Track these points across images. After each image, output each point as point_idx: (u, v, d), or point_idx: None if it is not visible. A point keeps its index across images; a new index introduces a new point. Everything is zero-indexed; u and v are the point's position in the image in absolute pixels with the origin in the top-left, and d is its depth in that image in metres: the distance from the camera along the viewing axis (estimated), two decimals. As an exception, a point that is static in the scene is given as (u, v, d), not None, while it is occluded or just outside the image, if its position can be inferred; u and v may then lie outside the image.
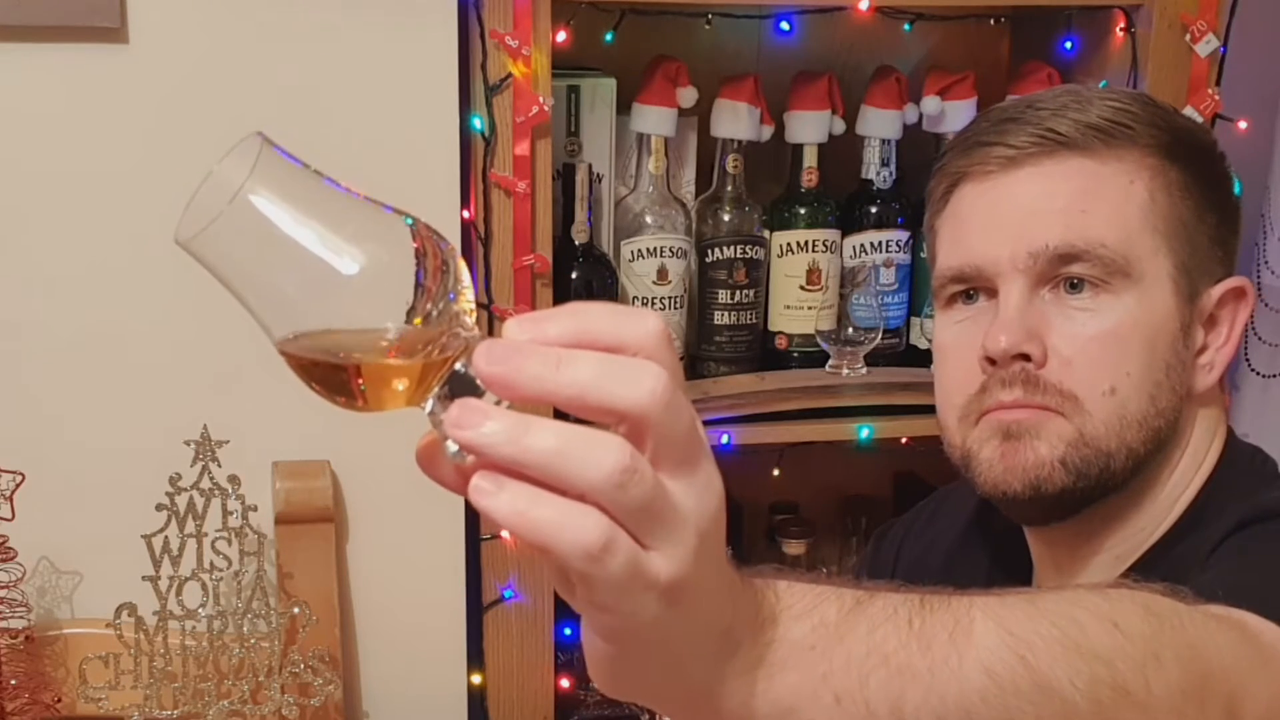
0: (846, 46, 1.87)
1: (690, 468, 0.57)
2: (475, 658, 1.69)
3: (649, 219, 1.72)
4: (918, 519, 1.32)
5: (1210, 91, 1.71)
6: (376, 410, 0.59)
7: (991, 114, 1.09)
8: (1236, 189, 1.10)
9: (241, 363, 1.57)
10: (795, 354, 1.80)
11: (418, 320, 0.57)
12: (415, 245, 0.58)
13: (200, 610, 1.54)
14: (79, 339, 1.56)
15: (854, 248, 1.80)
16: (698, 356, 1.79)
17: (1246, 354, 1.94)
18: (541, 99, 1.55)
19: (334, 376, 0.58)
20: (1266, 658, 0.78)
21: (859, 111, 1.78)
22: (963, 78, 1.77)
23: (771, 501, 1.98)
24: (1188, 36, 1.68)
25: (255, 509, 1.54)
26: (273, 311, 0.58)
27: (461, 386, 0.58)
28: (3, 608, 1.51)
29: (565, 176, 1.66)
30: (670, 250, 1.72)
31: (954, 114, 1.76)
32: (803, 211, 1.78)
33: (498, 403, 0.56)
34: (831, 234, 1.79)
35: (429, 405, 0.59)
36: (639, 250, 1.72)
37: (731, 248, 1.76)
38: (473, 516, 1.66)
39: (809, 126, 1.76)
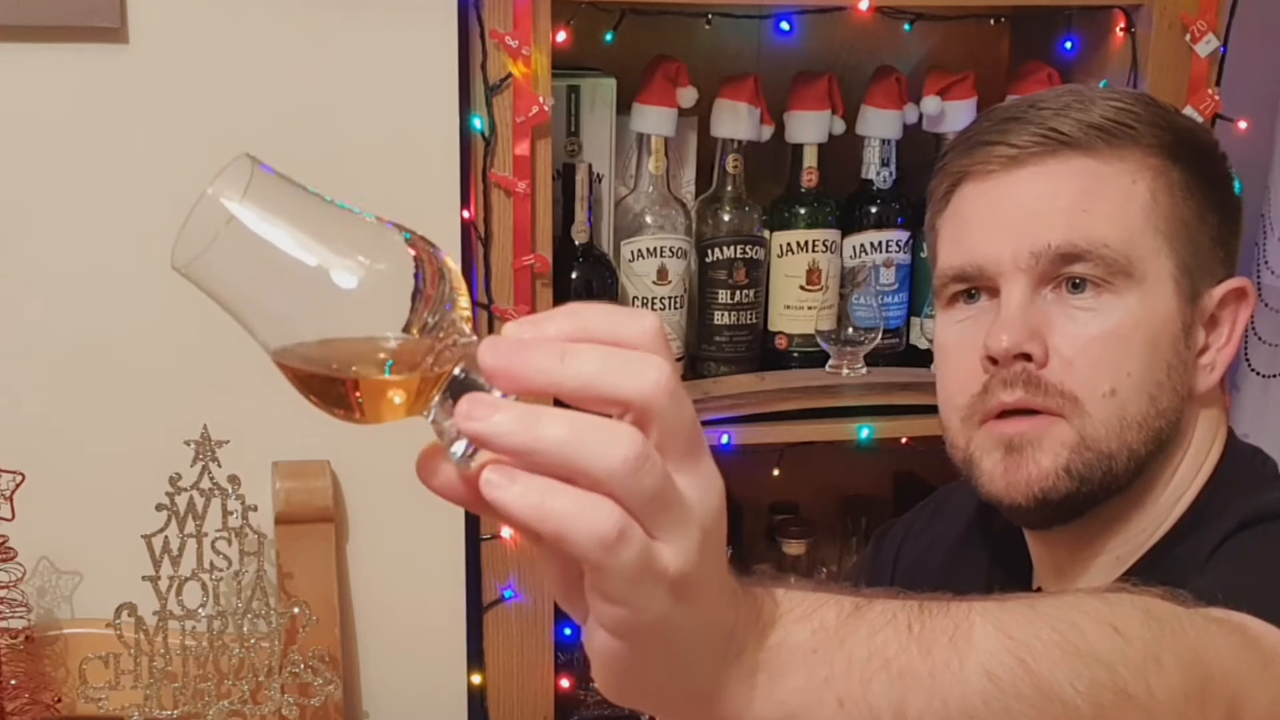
0: (846, 46, 1.87)
1: (693, 460, 0.57)
2: (475, 658, 1.69)
3: (649, 219, 1.72)
4: (918, 519, 1.32)
5: (1210, 91, 1.71)
6: (374, 422, 0.59)
7: (993, 113, 1.09)
8: (1237, 189, 1.10)
9: (241, 363, 1.56)
10: (795, 354, 1.80)
11: (416, 330, 0.57)
12: (413, 254, 0.58)
13: (200, 610, 1.54)
14: (79, 339, 1.56)
15: (854, 248, 1.80)
16: (698, 356, 1.79)
17: (1247, 354, 1.94)
18: (541, 99, 1.55)
19: (331, 389, 0.58)
20: (1267, 661, 0.78)
21: (859, 111, 1.78)
22: (963, 78, 1.77)
23: (771, 501, 1.98)
24: (1188, 36, 1.68)
25: (255, 509, 1.54)
26: (271, 328, 0.58)
27: (463, 391, 0.58)
28: (3, 608, 1.51)
29: (565, 176, 1.66)
30: (670, 250, 1.72)
31: (954, 114, 1.76)
32: (803, 211, 1.78)
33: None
34: (831, 234, 1.79)
35: (431, 413, 0.59)
36: (639, 250, 1.72)
37: (731, 248, 1.76)
38: (473, 517, 1.66)
39: (809, 126, 1.76)
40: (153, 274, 1.55)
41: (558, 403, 0.56)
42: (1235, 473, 1.06)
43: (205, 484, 1.51)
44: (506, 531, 1.61)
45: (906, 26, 1.85)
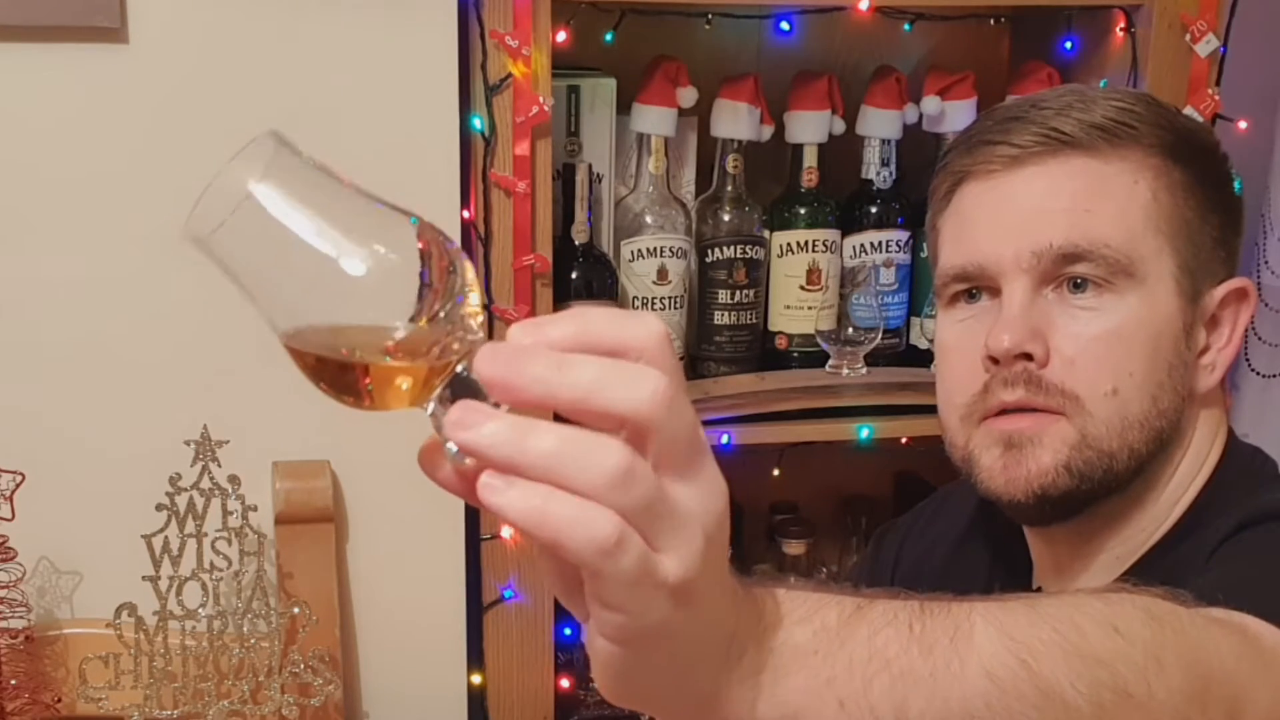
0: (846, 46, 1.87)
1: (693, 470, 0.57)
2: (475, 658, 1.69)
3: (649, 219, 1.72)
4: (918, 519, 1.32)
5: (1210, 91, 1.71)
6: (380, 408, 0.59)
7: (995, 113, 1.09)
8: (1238, 189, 1.10)
9: (242, 362, 1.57)
10: (795, 354, 1.80)
11: (424, 321, 0.57)
12: (420, 246, 0.58)
13: (200, 610, 1.54)
14: (79, 339, 1.56)
15: (854, 248, 1.80)
16: (698, 356, 1.79)
17: (1247, 354, 1.94)
18: (541, 99, 1.55)
19: (341, 376, 0.58)
20: (1268, 661, 0.78)
21: (859, 111, 1.78)
22: (963, 78, 1.77)
23: (771, 501, 1.98)
24: (1188, 36, 1.68)
25: (255, 509, 1.54)
26: (280, 308, 0.58)
27: (463, 389, 0.58)
28: (3, 608, 1.51)
29: (565, 176, 1.66)
30: (670, 250, 1.72)
31: (954, 114, 1.76)
32: (803, 211, 1.78)
33: (497, 406, 0.56)
34: (831, 234, 1.79)
35: (430, 406, 0.59)
36: (639, 250, 1.72)
37: (731, 248, 1.76)
38: (473, 516, 1.66)
39: (809, 126, 1.76)
40: (153, 274, 1.56)
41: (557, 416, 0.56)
42: (1235, 473, 1.07)
43: (205, 484, 1.51)
44: (507, 531, 1.61)
45: (906, 26, 1.85)
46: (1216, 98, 1.71)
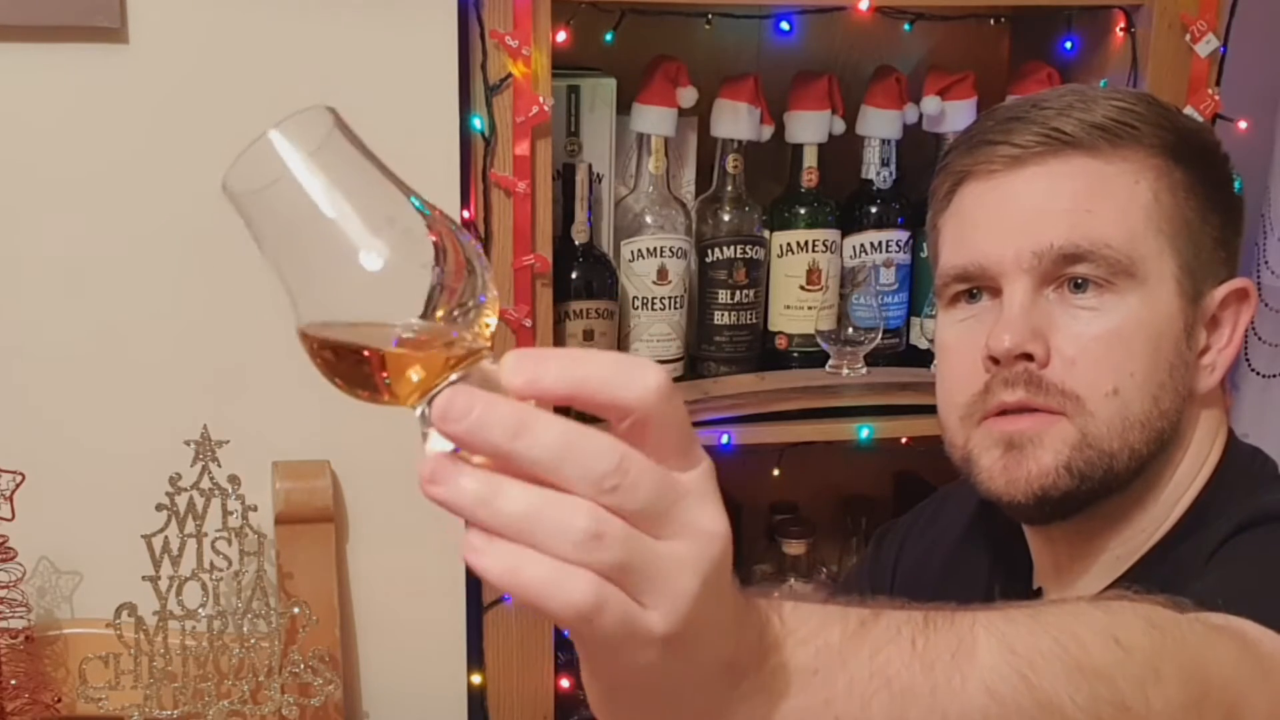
0: (846, 46, 1.87)
1: (682, 523, 0.56)
2: (475, 658, 1.68)
3: (649, 219, 1.72)
4: (918, 519, 1.32)
5: (1210, 91, 1.71)
6: (387, 400, 0.59)
7: (996, 113, 1.09)
8: (1238, 189, 1.10)
9: (242, 363, 1.57)
10: (795, 354, 1.80)
11: (439, 315, 0.58)
12: (433, 240, 0.58)
13: (200, 610, 1.54)
14: (79, 339, 1.56)
15: (854, 248, 1.80)
16: (698, 356, 1.79)
17: (1247, 354, 1.94)
18: (541, 99, 1.55)
19: (356, 369, 0.59)
20: (1266, 669, 0.78)
21: (859, 111, 1.78)
22: (963, 78, 1.77)
23: (771, 501, 1.98)
24: (1188, 36, 1.68)
25: (255, 509, 1.54)
26: (298, 282, 0.58)
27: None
28: (3, 608, 1.51)
29: (565, 176, 1.66)
30: (670, 250, 1.72)
31: (954, 114, 1.76)
32: (803, 211, 1.78)
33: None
34: (831, 234, 1.79)
35: (419, 409, 0.59)
36: (639, 250, 1.72)
37: (731, 248, 1.76)
38: (473, 516, 1.65)
39: (809, 126, 1.76)
40: (153, 273, 1.56)
41: (560, 409, 0.56)
42: (1235, 473, 1.07)
43: (205, 484, 1.51)
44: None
45: (906, 26, 1.85)
46: (1216, 98, 1.71)
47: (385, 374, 0.59)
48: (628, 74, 1.71)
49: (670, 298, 1.72)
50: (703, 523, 0.56)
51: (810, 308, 1.77)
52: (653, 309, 1.72)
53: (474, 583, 1.67)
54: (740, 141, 1.74)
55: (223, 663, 1.56)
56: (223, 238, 1.55)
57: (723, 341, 1.78)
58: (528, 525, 0.53)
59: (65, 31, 1.49)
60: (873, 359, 1.77)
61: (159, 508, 1.50)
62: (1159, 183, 1.03)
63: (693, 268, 1.76)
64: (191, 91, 1.53)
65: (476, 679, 1.69)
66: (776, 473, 1.97)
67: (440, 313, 0.58)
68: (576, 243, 1.67)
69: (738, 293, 1.76)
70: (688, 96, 1.70)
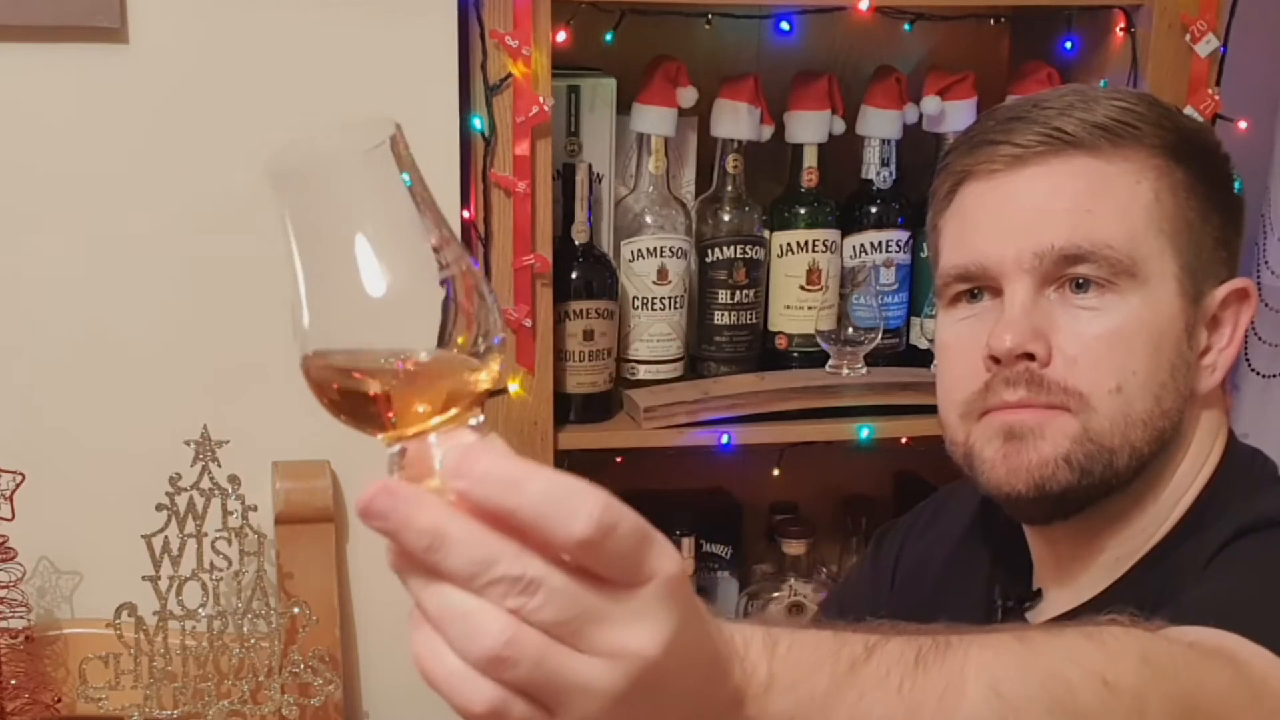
0: (846, 46, 1.87)
1: (642, 578, 0.55)
2: (475, 658, 1.68)
3: (649, 219, 1.72)
4: (919, 520, 1.32)
5: (1210, 91, 1.71)
6: (397, 419, 0.59)
7: (997, 113, 1.09)
8: (1238, 189, 1.10)
9: (242, 363, 1.57)
10: (795, 354, 1.80)
11: (458, 343, 0.58)
12: (444, 286, 0.58)
13: (200, 610, 1.54)
14: (79, 339, 1.56)
15: (854, 248, 1.80)
16: (698, 356, 1.79)
17: (1247, 354, 1.94)
18: (541, 99, 1.55)
19: (361, 407, 0.59)
20: (1256, 691, 0.78)
21: (859, 111, 1.78)
22: (963, 78, 1.77)
23: (771, 501, 1.98)
24: (1188, 36, 1.68)
25: (255, 509, 1.54)
26: (311, 284, 0.58)
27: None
28: (3, 608, 1.51)
29: (565, 176, 1.66)
30: (670, 250, 1.72)
31: (954, 114, 1.76)
32: (803, 211, 1.78)
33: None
34: (831, 234, 1.78)
35: (394, 447, 0.59)
36: (639, 250, 1.72)
37: (731, 248, 1.76)
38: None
39: (809, 126, 1.76)
40: (153, 274, 1.56)
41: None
42: (1235, 474, 1.06)
43: (205, 484, 1.51)
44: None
45: (906, 26, 1.85)
46: (1216, 98, 1.71)
47: (390, 414, 0.58)
48: (628, 74, 1.71)
49: (670, 298, 1.72)
50: (629, 644, 0.55)
51: (810, 308, 1.77)
52: (653, 309, 1.72)
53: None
54: (740, 141, 1.74)
55: (223, 663, 1.56)
56: (223, 237, 1.56)
57: (723, 341, 1.78)
58: (441, 624, 0.54)
59: (65, 31, 1.49)
60: (873, 359, 1.77)
61: (159, 508, 1.50)
62: (1160, 183, 1.03)
63: (693, 268, 1.76)
64: (191, 91, 1.53)
65: (476, 679, 1.68)
66: (776, 473, 1.97)
67: (456, 340, 0.58)
68: (576, 243, 1.67)
69: (738, 293, 1.76)
70: (688, 96, 1.70)
